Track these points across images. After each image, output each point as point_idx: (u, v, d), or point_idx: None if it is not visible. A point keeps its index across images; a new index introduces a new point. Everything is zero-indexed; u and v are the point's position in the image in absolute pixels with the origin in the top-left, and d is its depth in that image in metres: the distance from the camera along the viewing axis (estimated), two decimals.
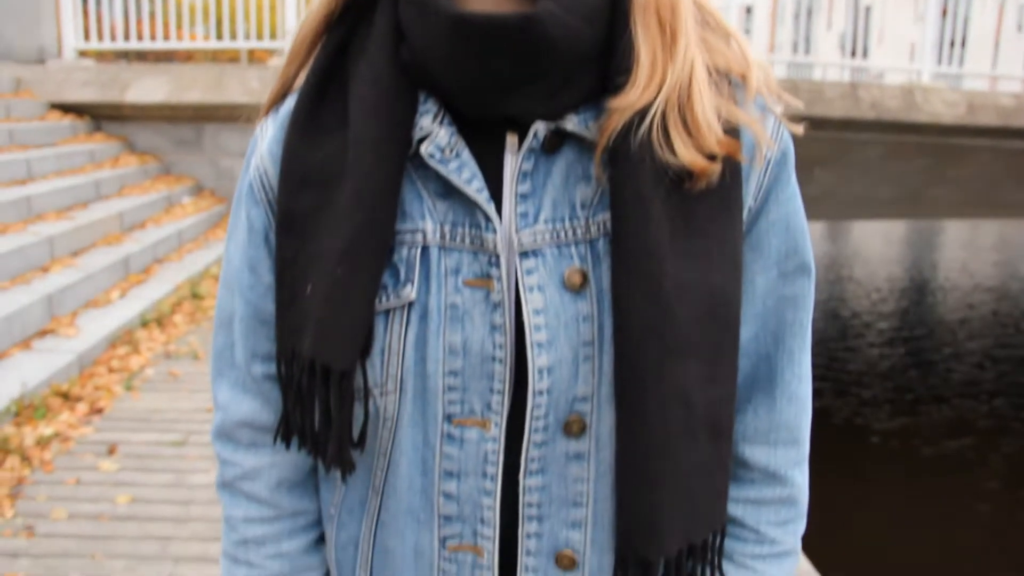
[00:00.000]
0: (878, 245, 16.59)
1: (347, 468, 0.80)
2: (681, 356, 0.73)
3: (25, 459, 3.82)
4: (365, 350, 0.78)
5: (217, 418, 0.88)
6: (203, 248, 7.64)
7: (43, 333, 5.32)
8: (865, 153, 8.01)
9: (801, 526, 0.86)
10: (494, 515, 0.78)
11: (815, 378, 0.91)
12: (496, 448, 0.78)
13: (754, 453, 0.82)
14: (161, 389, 4.82)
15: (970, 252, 15.51)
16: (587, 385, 0.76)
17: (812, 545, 3.74)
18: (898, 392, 6.85)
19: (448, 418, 0.78)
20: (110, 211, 6.99)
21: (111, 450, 3.99)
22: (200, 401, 4.65)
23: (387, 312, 0.78)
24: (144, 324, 5.83)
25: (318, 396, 0.77)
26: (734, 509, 0.83)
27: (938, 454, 5.60)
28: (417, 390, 0.78)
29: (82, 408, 4.49)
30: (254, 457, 0.86)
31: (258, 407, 0.85)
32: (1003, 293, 11.58)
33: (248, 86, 7.86)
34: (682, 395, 0.74)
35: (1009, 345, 8.43)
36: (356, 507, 0.85)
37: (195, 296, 6.50)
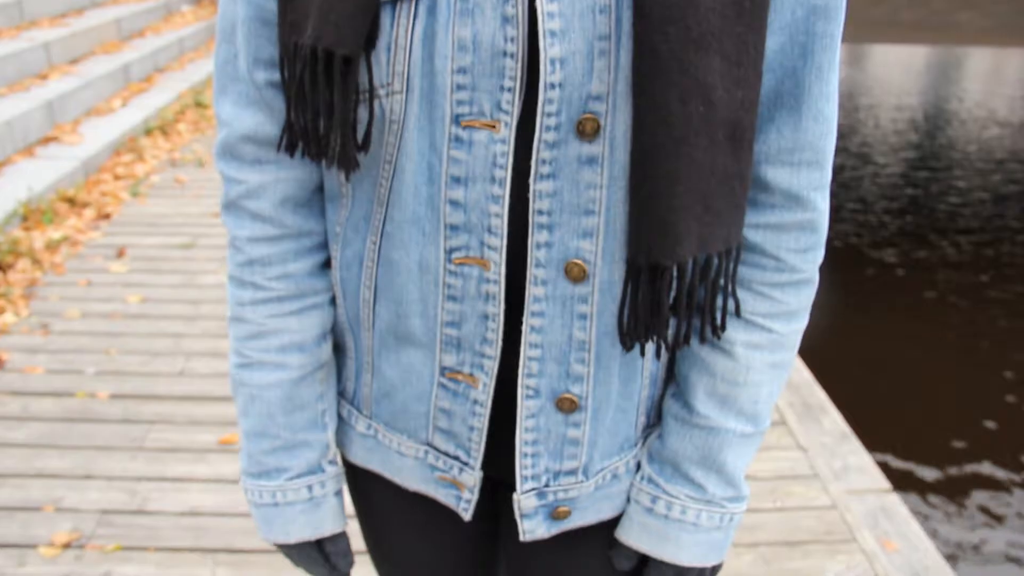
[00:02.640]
0: (897, 73, 16.14)
1: (351, 167, 0.76)
2: (704, 48, 0.68)
3: (36, 262, 3.83)
4: (370, 42, 0.72)
5: (221, 135, 0.83)
6: (205, 58, 7.43)
7: (46, 140, 5.23)
8: None
9: (820, 255, 0.82)
10: (502, 223, 0.75)
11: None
12: (505, 151, 0.73)
13: (776, 174, 0.77)
14: (167, 195, 4.79)
15: (993, 84, 15.09)
16: (602, 83, 0.71)
17: (810, 356, 3.80)
18: (906, 224, 6.80)
19: (456, 119, 0.73)
20: (106, 18, 6.74)
21: (120, 253, 4.00)
22: (206, 206, 4.62)
23: (394, 4, 0.72)
24: (148, 132, 5.73)
25: (321, 88, 0.72)
26: (753, 235, 0.79)
27: (941, 286, 5.60)
28: (424, 89, 0.73)
29: (89, 213, 4.47)
30: (258, 173, 0.82)
31: (262, 119, 0.80)
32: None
33: None
34: (704, 90, 0.68)
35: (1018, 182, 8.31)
36: (361, 223, 0.82)
37: (198, 105, 6.36)
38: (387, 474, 0.94)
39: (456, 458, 0.88)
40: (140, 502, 2.34)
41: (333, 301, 0.90)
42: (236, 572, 2.10)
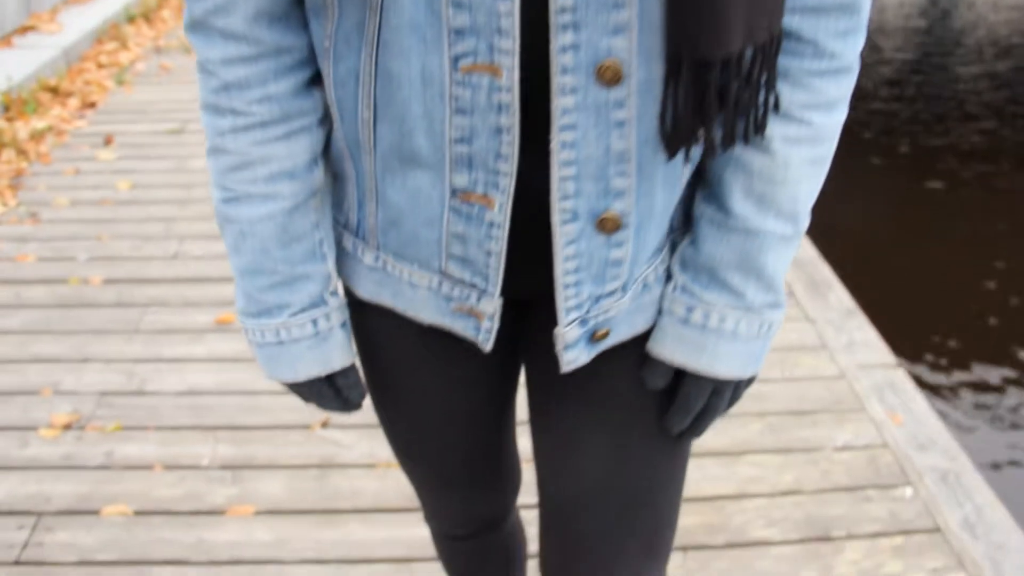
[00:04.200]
0: None
1: None
2: None
3: (21, 152, 3.73)
4: None
5: None
6: None
7: (23, 30, 5.05)
8: None
9: (861, 40, 0.75)
10: (513, 23, 0.67)
11: None
12: None
13: None
14: (154, 82, 4.64)
15: None
16: None
17: (816, 234, 3.72)
18: (916, 111, 6.64)
19: None
20: None
21: (108, 140, 3.89)
22: (195, 92, 4.48)
23: None
24: (130, 20, 5.53)
25: None
26: (789, 21, 0.72)
27: (949, 173, 5.50)
28: None
29: (74, 103, 4.33)
30: None
31: None
32: None
33: None
34: None
35: None
36: (352, 34, 0.73)
37: None
38: (399, 308, 0.88)
39: (473, 286, 0.83)
40: (139, 383, 2.30)
41: (322, 122, 0.83)
42: (238, 448, 2.08)
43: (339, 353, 0.89)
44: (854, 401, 2.30)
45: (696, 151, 0.78)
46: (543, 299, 0.87)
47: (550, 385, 0.94)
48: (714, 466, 2.07)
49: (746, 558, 1.82)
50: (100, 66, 4.86)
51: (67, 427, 2.14)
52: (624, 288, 0.83)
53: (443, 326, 0.87)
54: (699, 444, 2.13)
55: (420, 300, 0.86)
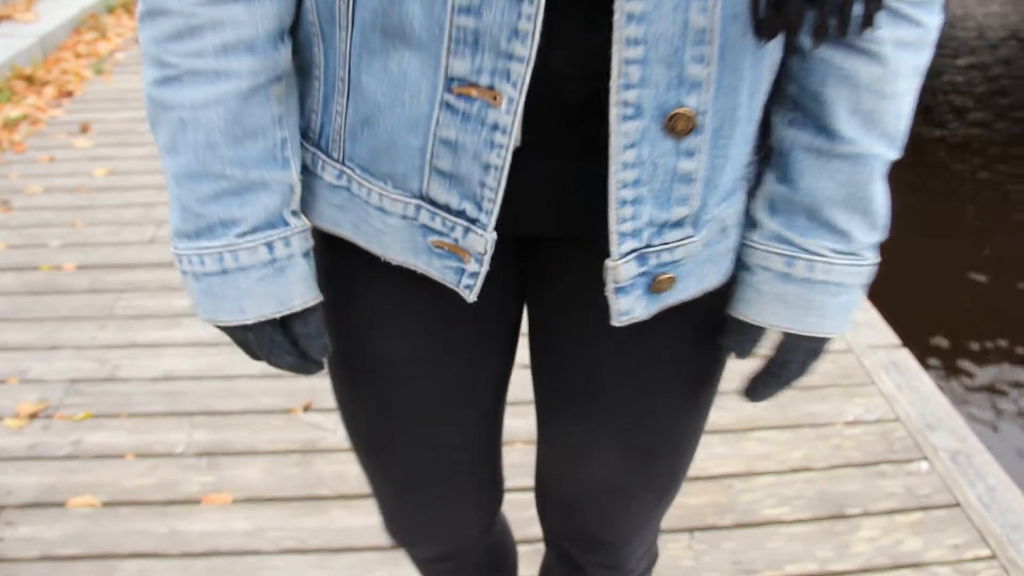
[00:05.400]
0: None
1: None
2: None
3: None
4: None
5: None
6: None
7: None
8: None
9: None
10: None
11: None
12: None
13: None
14: (134, 71, 4.51)
15: None
16: None
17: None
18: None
19: None
20: None
21: (84, 128, 3.76)
22: None
23: None
24: (110, 10, 5.40)
25: None
26: None
27: (944, 163, 5.40)
28: None
29: (50, 91, 4.21)
30: None
31: None
32: None
33: None
34: None
35: None
36: None
37: None
38: (362, 241, 0.71)
39: (460, 213, 0.66)
40: (111, 370, 2.18)
41: None
42: (215, 434, 1.96)
43: (300, 289, 0.70)
44: (863, 375, 2.19)
45: (790, 41, 0.64)
46: (562, 240, 0.73)
47: (570, 353, 0.80)
48: (720, 444, 1.95)
49: (757, 537, 1.71)
50: (78, 55, 4.73)
51: (33, 416, 2.02)
52: (696, 223, 0.68)
53: (416, 267, 0.70)
54: None
55: (390, 232, 0.69)
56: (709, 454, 1.92)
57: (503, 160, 0.63)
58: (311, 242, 0.72)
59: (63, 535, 1.69)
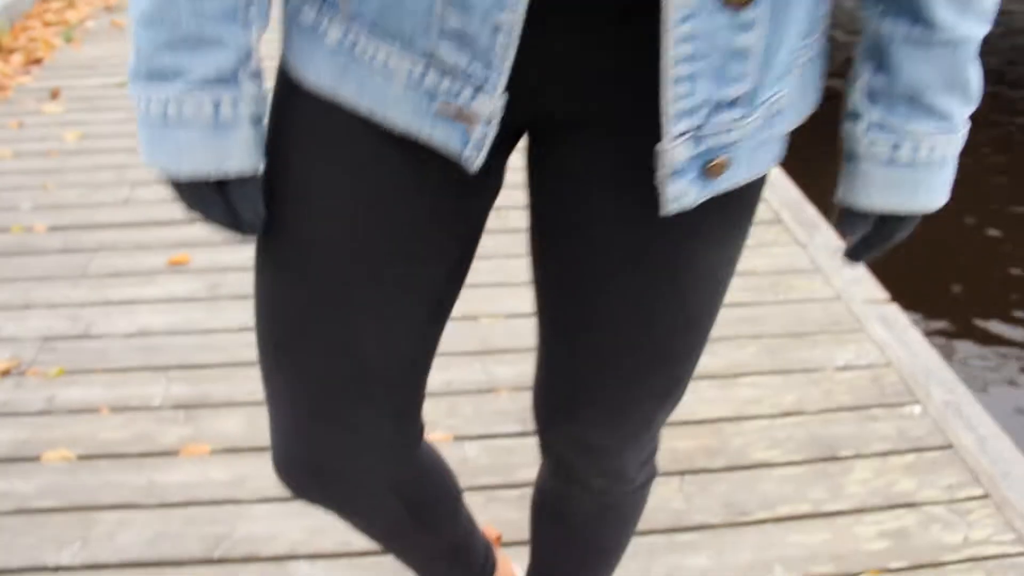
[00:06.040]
0: None
1: None
2: None
3: None
4: None
5: None
6: None
7: None
8: None
9: None
10: None
11: None
12: None
13: None
14: (104, 39, 4.41)
15: None
16: None
17: (797, 174, 3.55)
18: None
19: None
20: None
21: (54, 94, 3.67)
22: None
23: None
24: None
25: None
26: None
27: None
28: None
29: (18, 59, 4.11)
30: None
31: None
32: None
33: None
34: None
35: None
36: None
37: None
38: (363, 106, 0.67)
39: (468, 76, 0.63)
40: (84, 327, 2.12)
41: None
42: (192, 387, 1.91)
43: (239, 154, 0.67)
44: (853, 322, 2.17)
45: None
46: (581, 125, 0.69)
47: (593, 246, 0.75)
48: (709, 389, 1.92)
49: (748, 480, 1.68)
50: (46, 24, 4.63)
51: (5, 374, 1.96)
52: (751, 103, 0.65)
53: (418, 135, 0.67)
54: None
55: (393, 96, 0.66)
56: (698, 399, 1.89)
57: (516, 16, 0.60)
58: (263, 112, 0.69)
59: (38, 489, 1.64)
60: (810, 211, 2.79)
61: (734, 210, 0.74)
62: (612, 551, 1.06)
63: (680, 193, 0.66)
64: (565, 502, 0.99)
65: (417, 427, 0.86)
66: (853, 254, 0.81)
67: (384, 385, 0.78)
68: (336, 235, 0.71)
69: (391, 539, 0.95)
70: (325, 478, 0.82)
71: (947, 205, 4.28)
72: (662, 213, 0.68)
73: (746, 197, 0.75)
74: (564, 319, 0.81)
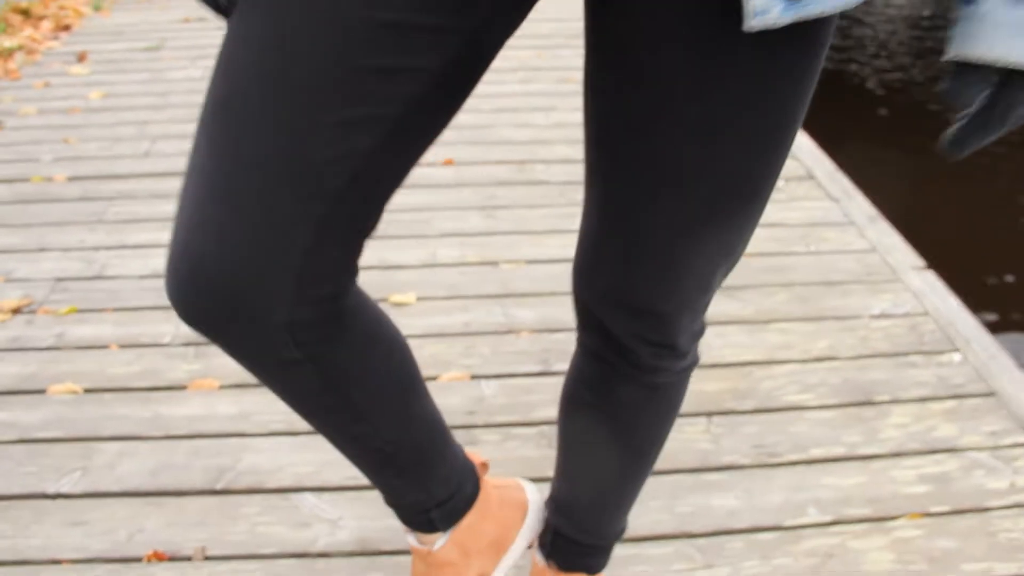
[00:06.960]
0: None
1: None
2: None
3: None
4: None
5: None
6: None
7: None
8: None
9: None
10: None
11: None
12: None
13: None
14: (133, 8, 4.40)
15: None
16: None
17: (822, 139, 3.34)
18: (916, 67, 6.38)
19: None
20: None
21: (81, 57, 3.66)
22: (177, 13, 4.25)
23: None
24: None
25: None
26: None
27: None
28: None
29: (47, 25, 4.10)
30: None
31: None
32: None
33: None
34: None
35: None
36: None
37: None
38: None
39: None
40: (98, 269, 2.08)
41: None
42: None
43: None
44: (888, 273, 2.07)
45: None
46: None
47: (638, 62, 0.68)
48: (738, 334, 1.84)
49: (779, 422, 1.60)
50: None
51: (16, 311, 1.93)
52: None
53: None
54: (718, 313, 1.90)
55: None
56: (726, 343, 1.80)
57: None
58: None
59: (42, 419, 1.60)
60: (844, 181, 2.69)
61: (808, 49, 0.67)
62: (652, 448, 0.96)
63: (764, 7, 0.59)
64: (607, 386, 0.90)
65: (344, 263, 0.70)
66: (958, 139, 0.66)
67: (315, 185, 0.64)
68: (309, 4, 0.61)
69: (310, 416, 0.80)
70: (218, 286, 0.66)
71: (997, 188, 4.15)
72: (744, 28, 0.61)
73: (821, 38, 0.68)
74: (622, 154, 0.73)
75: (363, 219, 0.69)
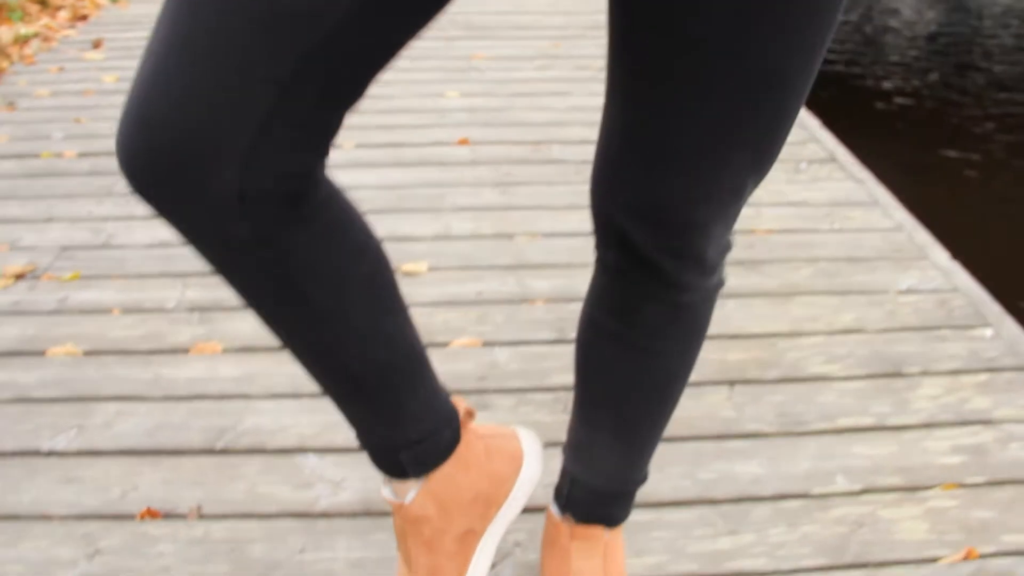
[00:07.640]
0: None
1: None
2: None
3: (3, 54, 3.49)
4: None
5: None
6: None
7: None
8: None
9: None
10: None
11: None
12: None
13: None
14: (151, 0, 4.39)
15: None
16: None
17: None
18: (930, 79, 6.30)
19: None
20: None
21: (96, 44, 3.64)
22: None
23: None
24: None
25: None
26: None
27: (983, 141, 5.16)
28: None
29: (64, 15, 4.09)
30: None
31: None
32: None
33: None
34: None
35: None
36: None
37: None
38: None
39: None
40: (105, 238, 2.04)
41: None
42: (209, 292, 1.81)
43: None
44: (915, 250, 2.00)
45: None
46: None
47: None
48: (762, 306, 1.77)
49: (805, 392, 1.53)
50: None
51: (20, 276, 1.88)
52: None
53: None
54: (740, 285, 1.83)
55: None
56: (748, 314, 1.74)
57: None
58: None
59: (40, 380, 1.55)
60: (868, 178, 2.63)
61: None
62: (677, 379, 0.90)
63: None
64: (630, 306, 0.83)
65: (309, 137, 0.63)
66: None
67: (286, 38, 0.58)
68: None
69: (270, 320, 0.72)
70: (167, 138, 0.59)
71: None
72: None
73: None
74: (650, 50, 0.68)
75: (335, 89, 0.62)
